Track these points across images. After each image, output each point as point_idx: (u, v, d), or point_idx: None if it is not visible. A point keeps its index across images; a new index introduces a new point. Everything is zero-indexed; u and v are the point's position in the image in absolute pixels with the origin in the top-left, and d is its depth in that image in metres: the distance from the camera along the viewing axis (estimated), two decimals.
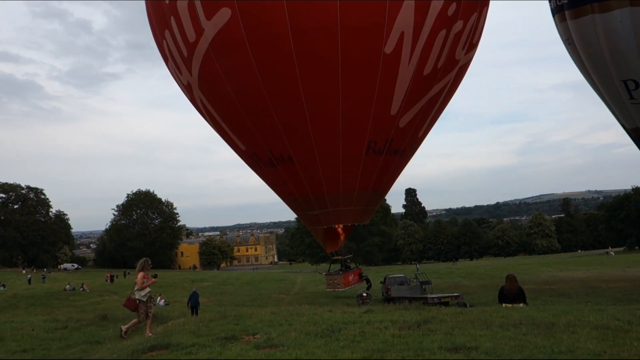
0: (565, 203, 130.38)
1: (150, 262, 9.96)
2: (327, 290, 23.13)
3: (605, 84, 18.23)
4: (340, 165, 17.81)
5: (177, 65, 17.58)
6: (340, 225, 20.42)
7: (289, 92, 15.91)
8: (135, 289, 9.44)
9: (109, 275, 55.02)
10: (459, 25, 16.60)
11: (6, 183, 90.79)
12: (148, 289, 9.52)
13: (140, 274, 9.44)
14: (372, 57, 15.48)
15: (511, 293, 12.57)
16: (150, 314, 9.49)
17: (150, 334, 9.01)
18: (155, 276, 10.98)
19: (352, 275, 22.22)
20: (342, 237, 21.65)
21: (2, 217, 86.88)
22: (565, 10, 17.92)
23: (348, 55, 15.21)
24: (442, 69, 17.06)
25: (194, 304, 24.55)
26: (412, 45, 15.66)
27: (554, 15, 18.98)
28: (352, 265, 23.75)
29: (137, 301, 9.39)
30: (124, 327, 9.51)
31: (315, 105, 16.16)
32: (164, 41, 17.46)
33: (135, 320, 9.63)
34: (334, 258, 22.39)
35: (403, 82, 16.33)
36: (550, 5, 19.03)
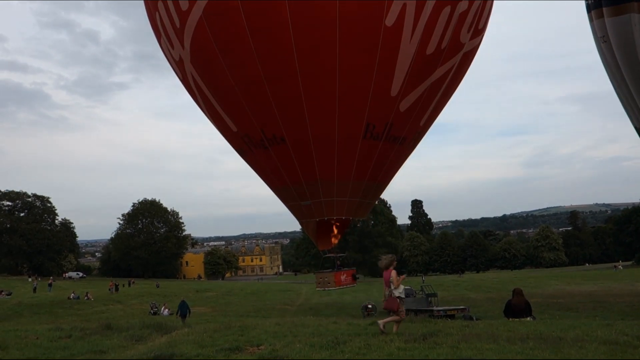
0: (573, 216, 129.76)
1: (396, 258, 9.90)
2: (317, 289, 22.17)
3: (637, 85, 18.26)
4: (335, 148, 16.90)
5: (169, 38, 17.07)
6: (334, 218, 19.16)
7: (283, 63, 15.20)
8: (393, 287, 9.33)
9: (112, 283, 55.01)
10: (464, 5, 16.14)
11: (12, 191, 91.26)
12: (402, 286, 9.48)
13: (394, 271, 9.36)
14: (373, 29, 14.82)
15: (518, 307, 12.48)
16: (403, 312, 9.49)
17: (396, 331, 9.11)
18: (404, 272, 10.85)
19: (345, 275, 20.75)
20: (336, 234, 20.58)
21: (8, 225, 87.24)
22: (603, 7, 17.92)
23: (347, 26, 14.57)
24: (446, 50, 16.49)
25: (183, 313, 25.56)
26: (415, 19, 15.07)
27: (589, 12, 18.97)
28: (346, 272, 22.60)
29: (399, 299, 9.32)
30: (381, 322, 9.42)
31: (311, 78, 15.41)
32: (157, 13, 17.05)
33: (396, 317, 9.49)
34: (326, 256, 21.46)
35: (404, 60, 15.65)
36: (587, 1, 19.06)
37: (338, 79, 15.41)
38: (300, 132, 16.64)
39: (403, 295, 9.31)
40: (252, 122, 17.11)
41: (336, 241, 20.95)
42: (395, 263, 9.39)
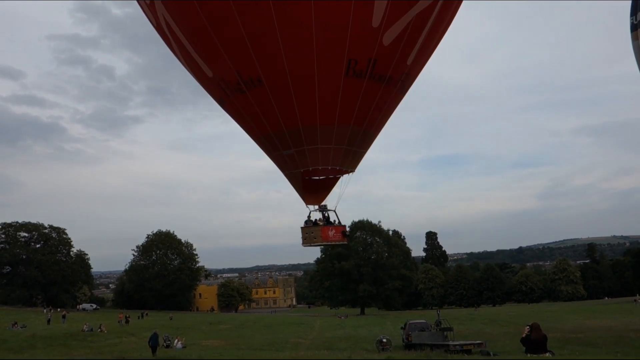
0: (591, 248, 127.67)
1: None
2: (303, 245, 20.87)
3: None
4: (315, 87, 15.89)
5: None
6: (319, 168, 18.08)
7: None
8: None
9: (122, 315, 54.86)
10: None
11: (29, 222, 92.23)
12: None
13: None
14: None
15: (538, 342, 12.24)
16: None
17: None
18: None
19: (333, 231, 19.69)
20: (324, 188, 19.69)
21: (24, 256, 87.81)
22: None
23: None
24: None
25: (154, 344, 27.21)
26: None
27: (634, 31, 18.86)
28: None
29: None
30: None
31: (284, 8, 14.52)
32: None
33: None
34: (314, 211, 20.55)
35: None
36: (632, 21, 19.07)
37: (313, 7, 14.51)
38: (277, 71, 15.73)
39: None
40: (227, 63, 16.26)
41: (325, 196, 20.08)
42: None
